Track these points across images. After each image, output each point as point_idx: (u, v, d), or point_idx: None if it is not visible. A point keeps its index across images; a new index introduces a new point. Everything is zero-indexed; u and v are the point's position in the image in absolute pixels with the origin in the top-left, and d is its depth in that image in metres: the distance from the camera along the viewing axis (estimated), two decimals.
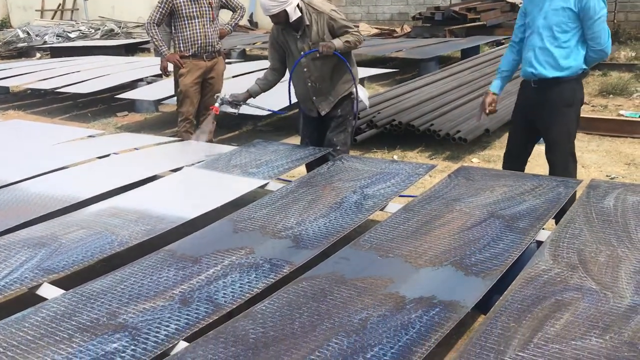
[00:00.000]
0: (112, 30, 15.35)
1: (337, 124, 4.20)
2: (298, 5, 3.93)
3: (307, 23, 3.99)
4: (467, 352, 1.95)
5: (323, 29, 3.99)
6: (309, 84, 4.14)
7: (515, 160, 3.87)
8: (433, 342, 2.03)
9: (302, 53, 4.04)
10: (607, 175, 4.86)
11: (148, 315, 2.26)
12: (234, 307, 2.33)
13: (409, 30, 12.42)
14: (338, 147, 4.19)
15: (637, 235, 2.65)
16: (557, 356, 1.90)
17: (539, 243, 2.70)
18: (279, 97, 4.85)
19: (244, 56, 11.34)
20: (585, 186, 3.22)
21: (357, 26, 11.68)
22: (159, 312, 2.28)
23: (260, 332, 2.13)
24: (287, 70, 4.29)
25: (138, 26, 15.77)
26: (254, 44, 12.17)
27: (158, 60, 6.32)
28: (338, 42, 3.98)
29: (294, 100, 4.39)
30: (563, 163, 3.64)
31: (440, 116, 6.09)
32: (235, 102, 4.44)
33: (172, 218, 3.18)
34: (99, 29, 15.30)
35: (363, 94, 4.36)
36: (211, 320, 2.23)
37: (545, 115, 3.60)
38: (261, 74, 4.47)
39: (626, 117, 6.35)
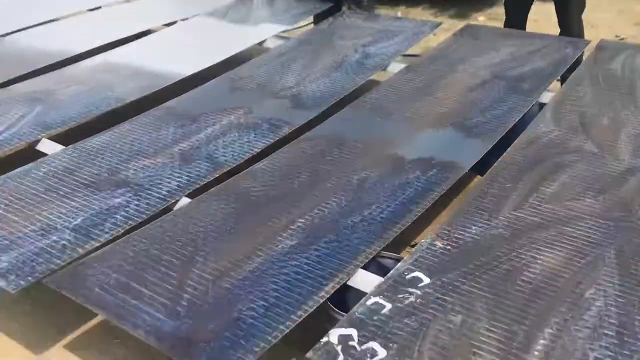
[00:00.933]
0: None
1: None
2: None
3: None
4: (461, 212, 2.00)
5: None
6: None
7: (519, 16, 3.69)
8: (429, 201, 2.08)
9: None
10: (616, 36, 4.69)
11: (149, 172, 2.28)
12: (234, 165, 2.34)
13: None
14: (366, 2, 4.03)
15: None
16: (550, 215, 1.95)
17: (542, 105, 2.67)
18: None
19: None
20: (593, 47, 3.13)
21: None
22: (160, 169, 2.30)
23: (260, 190, 2.17)
24: None
25: None
26: None
27: None
28: None
29: None
30: (574, 17, 3.48)
31: None
32: None
33: (168, 75, 3.10)
34: None
35: None
36: (212, 178, 2.26)
37: None
38: None
39: None
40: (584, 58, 3.11)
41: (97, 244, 1.91)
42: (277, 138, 2.53)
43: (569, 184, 2.09)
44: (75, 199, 2.12)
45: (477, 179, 2.57)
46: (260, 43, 3.59)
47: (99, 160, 2.37)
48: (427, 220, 2.39)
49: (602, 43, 3.15)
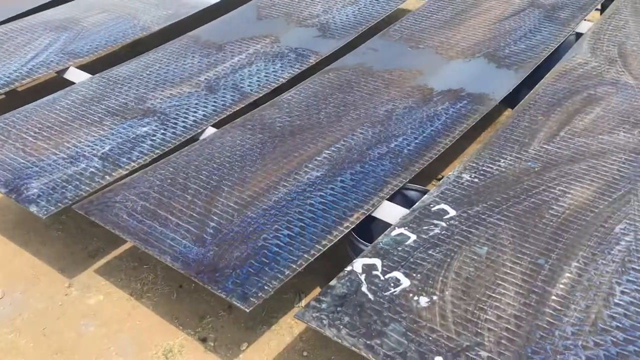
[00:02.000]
0: None
1: None
2: None
3: None
4: (491, 144, 1.96)
5: None
6: None
7: None
8: (457, 134, 2.04)
9: None
10: None
11: (175, 101, 2.27)
12: (260, 96, 2.32)
13: None
14: None
15: None
16: (582, 149, 1.90)
17: (579, 35, 2.55)
18: None
19: None
20: None
21: None
22: (186, 99, 2.29)
23: (286, 121, 2.15)
24: None
25: None
26: None
27: None
28: None
29: None
30: None
31: None
32: None
33: (193, 2, 3.04)
34: None
35: None
36: (238, 108, 2.24)
37: None
38: None
39: None
40: None
41: (125, 172, 1.93)
42: (303, 68, 2.49)
43: (603, 117, 2.03)
44: (103, 127, 2.13)
45: (509, 112, 2.51)
46: None
47: (126, 89, 2.36)
48: (456, 153, 2.36)
49: None
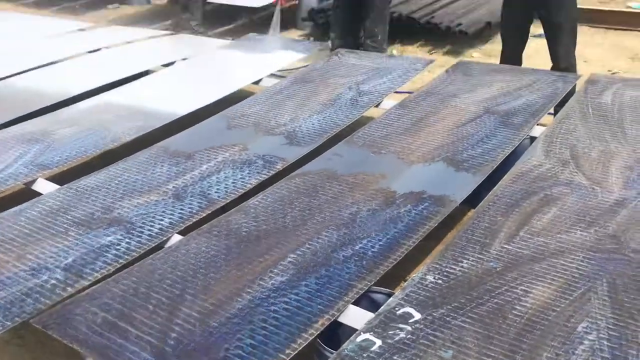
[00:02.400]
0: None
1: (377, 14, 4.22)
2: None
3: None
4: (453, 245, 2.00)
5: None
6: None
7: (515, 52, 3.82)
8: (420, 235, 2.08)
9: None
10: (609, 70, 4.75)
11: (142, 210, 2.29)
12: (227, 202, 2.35)
13: None
14: (379, 37, 4.26)
15: (632, 131, 2.63)
16: (541, 248, 1.94)
17: (533, 139, 2.69)
18: None
19: None
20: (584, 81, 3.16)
21: None
22: (153, 207, 2.31)
23: (252, 226, 2.17)
24: None
25: None
26: None
27: None
28: None
29: None
30: (567, 48, 3.64)
31: (442, 8, 5.87)
32: None
33: (164, 114, 3.15)
34: None
35: None
36: (204, 215, 2.27)
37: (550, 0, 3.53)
38: None
39: (634, 9, 6.11)
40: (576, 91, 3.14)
41: (87, 283, 1.90)
42: (270, 174, 2.55)
43: (560, 216, 2.09)
44: (68, 238, 2.13)
45: (471, 212, 2.57)
46: (257, 82, 3.65)
47: (93, 199, 2.38)
48: (422, 254, 2.38)
49: (593, 77, 3.19)
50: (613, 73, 4.67)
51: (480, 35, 5.62)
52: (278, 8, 4.38)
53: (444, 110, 2.97)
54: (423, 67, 3.61)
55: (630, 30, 5.57)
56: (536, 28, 5.59)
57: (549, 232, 2.02)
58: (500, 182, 2.32)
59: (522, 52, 3.88)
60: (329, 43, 4.46)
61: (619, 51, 5.15)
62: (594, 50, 5.23)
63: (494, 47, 5.41)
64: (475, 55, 5.27)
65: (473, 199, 2.33)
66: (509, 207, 2.16)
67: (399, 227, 2.12)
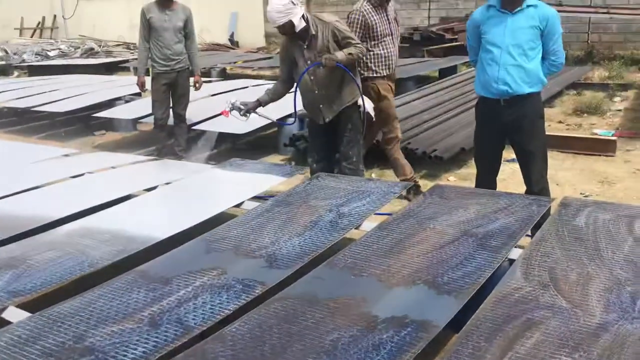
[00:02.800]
0: (92, 48, 15.29)
1: (350, 138, 4.32)
2: (303, 16, 4.06)
3: (313, 33, 4.11)
4: None
5: (328, 39, 4.12)
6: (316, 92, 4.24)
7: (489, 177, 3.97)
8: None
9: (308, 63, 4.15)
10: (581, 193, 4.91)
11: (116, 339, 2.21)
12: (204, 329, 2.29)
13: None
14: (354, 159, 4.33)
15: (608, 253, 2.67)
16: None
17: (512, 261, 2.70)
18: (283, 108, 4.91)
19: (224, 75, 11.35)
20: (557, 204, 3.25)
21: None
22: (127, 335, 2.23)
23: (230, 354, 2.10)
24: (294, 82, 4.37)
25: (118, 45, 15.75)
26: (234, 62, 12.19)
27: (134, 79, 6.28)
28: (341, 55, 4.08)
29: (299, 108, 4.52)
30: (540, 172, 3.83)
31: (418, 135, 6.13)
32: (246, 109, 4.39)
33: (144, 238, 3.14)
34: (79, 47, 15.23)
35: (369, 105, 4.41)
36: (180, 343, 2.19)
37: (521, 130, 3.73)
38: (259, 89, 4.55)
39: (600, 135, 6.44)
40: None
41: None
42: (250, 299, 2.51)
43: (543, 341, 2.06)
44: None
45: (454, 337, 2.52)
46: (238, 205, 3.69)
47: (65, 328, 2.30)
48: None
49: (565, 200, 3.29)
50: (585, 196, 4.82)
51: (456, 160, 5.83)
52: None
53: (422, 233, 3.00)
54: (401, 190, 3.70)
55: (598, 155, 5.83)
56: (508, 153, 5.85)
57: (534, 358, 1.98)
58: (482, 306, 2.30)
59: (495, 176, 4.03)
60: (309, 167, 4.58)
61: (589, 175, 5.35)
62: (565, 174, 5.44)
63: (469, 171, 5.60)
64: (451, 179, 5.43)
65: (455, 323, 2.29)
66: (492, 332, 2.13)
67: (381, 355, 2.06)
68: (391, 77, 4.81)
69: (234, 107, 4.39)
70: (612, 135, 6.30)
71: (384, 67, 4.67)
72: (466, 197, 3.45)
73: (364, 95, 4.34)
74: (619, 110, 7.69)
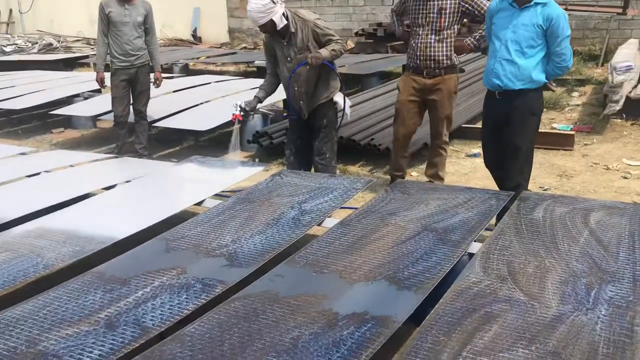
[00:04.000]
0: (50, 44, 14.88)
1: (325, 134, 4.35)
2: (284, 14, 4.07)
3: (293, 30, 4.12)
4: None
5: (308, 36, 4.13)
6: (295, 88, 4.25)
7: (496, 166, 4.00)
8: (364, 359, 2.02)
9: (288, 60, 4.17)
10: (540, 187, 5.00)
11: (70, 342, 2.16)
12: (162, 330, 2.25)
13: (352, 46, 12.55)
14: (327, 155, 4.36)
15: (564, 246, 2.72)
16: None
17: (471, 255, 2.73)
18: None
19: (187, 71, 11.20)
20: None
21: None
22: (82, 338, 2.18)
23: (188, 355, 2.07)
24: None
25: (77, 40, 15.39)
26: (197, 58, 12.05)
27: (94, 75, 6.14)
28: (325, 52, 4.11)
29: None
30: (520, 168, 3.83)
31: (381, 130, 6.14)
32: (250, 108, 4.39)
33: (102, 238, 3.07)
34: (37, 42, 14.83)
35: (345, 102, 4.40)
36: (137, 345, 2.15)
37: (510, 123, 3.78)
38: (231, 84, 4.53)
39: (559, 130, 6.57)
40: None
41: None
42: (209, 298, 2.47)
43: (501, 334, 2.09)
44: None
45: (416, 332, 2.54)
46: (199, 203, 3.64)
47: (18, 332, 2.23)
48: None
49: (523, 194, 3.34)
50: (544, 189, 4.91)
51: (419, 156, 5.87)
52: (237, 127, 4.50)
53: (383, 228, 3.01)
54: (363, 186, 3.70)
55: (557, 149, 5.94)
56: (470, 147, 5.92)
57: (492, 351, 2.00)
58: (440, 300, 2.32)
59: (499, 167, 4.01)
60: (285, 159, 4.59)
61: (548, 169, 5.45)
62: None
63: None
64: (414, 174, 5.46)
65: (417, 317, 2.31)
66: (450, 326, 2.15)
67: (341, 352, 2.06)
68: (416, 70, 4.51)
69: (242, 110, 4.35)
70: (571, 130, 6.43)
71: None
72: (427, 192, 3.48)
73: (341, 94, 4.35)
74: (578, 105, 7.85)
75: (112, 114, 5.90)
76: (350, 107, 4.53)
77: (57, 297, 2.49)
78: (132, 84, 5.77)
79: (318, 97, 4.29)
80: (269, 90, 4.47)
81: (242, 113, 4.38)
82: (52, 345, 2.14)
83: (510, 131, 3.80)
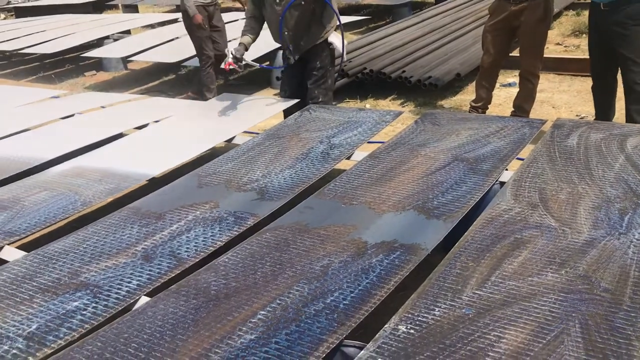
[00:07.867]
0: None
1: (318, 77, 4.14)
2: None
3: None
4: (425, 293, 1.97)
5: None
6: (285, 33, 4.03)
7: (603, 87, 4.06)
8: (392, 285, 2.05)
9: (276, 1, 3.93)
10: (577, 115, 4.86)
11: (110, 273, 2.25)
12: (197, 260, 2.32)
13: None
14: (320, 99, 4.16)
15: (598, 172, 2.66)
16: (513, 292, 1.92)
17: (502, 184, 2.70)
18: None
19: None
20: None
21: None
22: (120, 269, 2.27)
23: (222, 284, 2.14)
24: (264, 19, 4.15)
25: None
26: None
27: (125, 17, 6.11)
28: None
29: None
30: (634, 79, 3.78)
31: (412, 62, 6.02)
32: (240, 57, 4.09)
33: (136, 175, 3.14)
34: None
35: (339, 43, 4.23)
36: (173, 275, 2.23)
37: (620, 35, 3.71)
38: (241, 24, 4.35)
39: None
40: None
41: (50, 351, 1.84)
42: (241, 230, 2.53)
43: (531, 259, 2.08)
44: (32, 305, 2.07)
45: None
46: (230, 140, 3.67)
47: (60, 265, 2.33)
48: (399, 304, 2.34)
49: (558, 121, 3.25)
50: (581, 117, 4.78)
51: (451, 87, 5.75)
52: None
53: (413, 160, 2.99)
54: (392, 119, 3.66)
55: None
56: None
57: (521, 276, 2.00)
58: (470, 228, 2.32)
59: (610, 89, 4.09)
60: None
61: (585, 96, 5.27)
62: (562, 96, 5.37)
63: (464, 97, 5.54)
64: (446, 106, 5.37)
65: (449, 246, 2.32)
66: (480, 252, 2.15)
67: (370, 278, 2.09)
68: None
69: (234, 57, 4.20)
70: None
71: None
72: (458, 122, 3.42)
73: (337, 33, 4.16)
74: None
75: (199, 56, 5.82)
76: (360, 48, 4.23)
77: (96, 232, 2.58)
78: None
79: (311, 39, 4.03)
80: (253, 35, 4.16)
81: (234, 61, 4.12)
82: (92, 276, 2.23)
83: (620, 43, 3.75)
